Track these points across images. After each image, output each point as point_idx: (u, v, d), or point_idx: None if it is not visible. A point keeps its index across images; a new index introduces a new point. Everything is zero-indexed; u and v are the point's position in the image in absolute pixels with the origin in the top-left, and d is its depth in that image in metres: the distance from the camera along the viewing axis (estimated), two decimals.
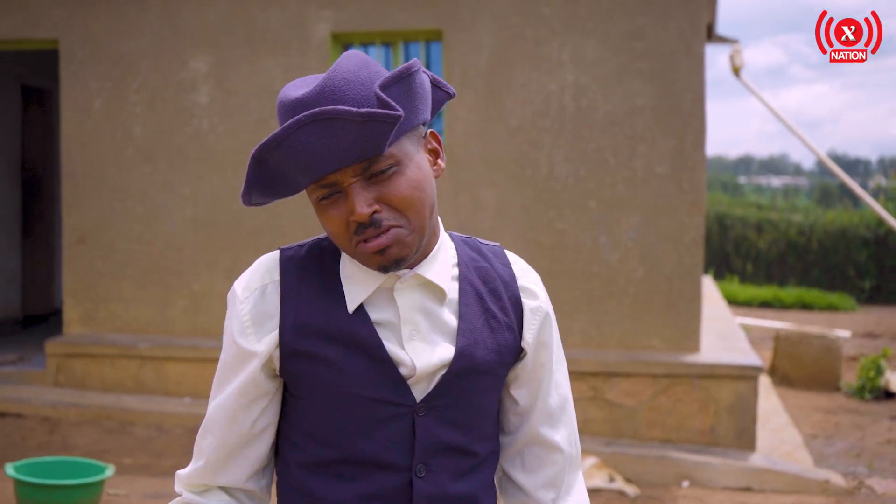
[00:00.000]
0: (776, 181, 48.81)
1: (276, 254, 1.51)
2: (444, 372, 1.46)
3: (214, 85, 6.74)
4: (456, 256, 1.54)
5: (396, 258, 1.40)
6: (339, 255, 1.50)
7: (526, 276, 1.59)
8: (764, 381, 8.26)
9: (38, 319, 9.24)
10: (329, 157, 1.33)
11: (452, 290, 1.51)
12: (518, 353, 1.55)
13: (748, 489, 5.66)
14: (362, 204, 1.36)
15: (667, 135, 6.22)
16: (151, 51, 6.80)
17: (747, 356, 6.39)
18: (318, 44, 6.58)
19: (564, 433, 1.62)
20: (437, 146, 1.50)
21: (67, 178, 6.94)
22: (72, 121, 6.91)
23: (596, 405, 6.12)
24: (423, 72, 1.43)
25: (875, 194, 19.50)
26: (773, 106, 8.28)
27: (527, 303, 1.56)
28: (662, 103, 6.21)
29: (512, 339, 1.53)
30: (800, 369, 8.96)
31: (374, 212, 1.37)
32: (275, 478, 1.58)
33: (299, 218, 6.41)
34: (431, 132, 1.49)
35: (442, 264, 1.50)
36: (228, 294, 1.51)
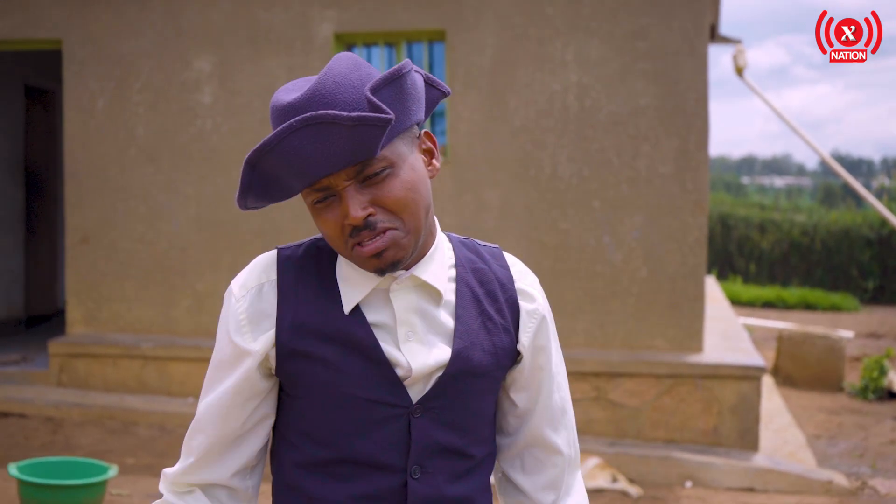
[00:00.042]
0: (779, 181, 48.79)
1: (273, 253, 1.51)
2: (440, 373, 1.46)
3: (218, 85, 6.74)
4: (453, 258, 1.54)
5: (392, 261, 1.40)
6: (336, 255, 1.50)
7: (524, 279, 1.58)
8: (767, 382, 8.25)
9: (42, 319, 9.25)
10: (322, 161, 1.33)
11: (449, 291, 1.50)
12: (514, 356, 1.55)
13: (751, 489, 5.65)
14: (356, 207, 1.36)
15: (670, 135, 6.21)
16: (154, 51, 6.81)
17: (750, 356, 6.38)
18: (322, 44, 6.58)
19: (564, 435, 1.61)
20: (432, 146, 1.49)
21: (70, 178, 6.95)
22: (75, 121, 6.92)
23: (599, 405, 6.11)
24: (416, 71, 1.42)
25: (878, 194, 19.47)
26: (777, 106, 8.27)
27: (524, 305, 1.55)
28: (666, 103, 6.21)
29: (508, 341, 1.53)
30: (803, 370, 8.95)
31: (369, 214, 1.37)
32: (271, 478, 1.58)
33: (302, 218, 6.41)
34: (426, 132, 1.49)
35: (438, 265, 1.50)
36: (225, 293, 1.51)
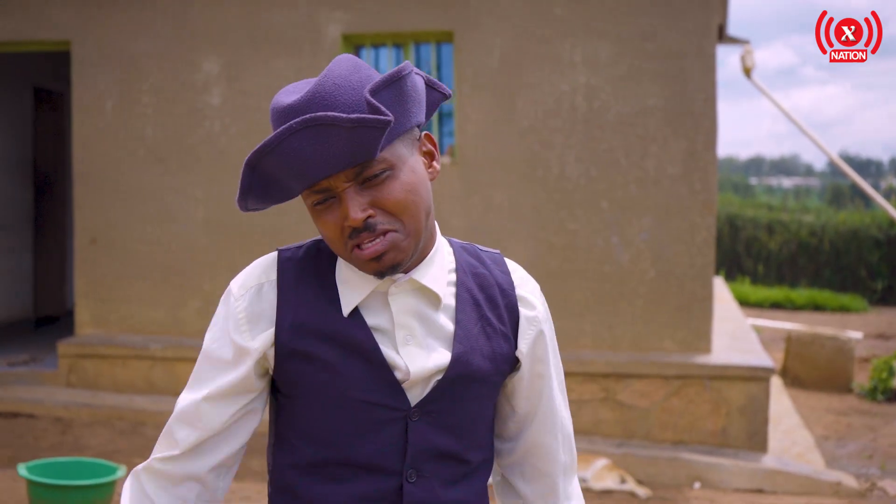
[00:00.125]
0: (787, 182, 48.65)
1: (273, 254, 1.52)
2: (439, 377, 1.46)
3: (226, 86, 6.75)
4: (454, 262, 1.54)
5: (392, 263, 1.39)
6: (335, 257, 1.50)
7: (524, 286, 1.58)
8: (775, 383, 8.23)
9: (51, 320, 9.28)
10: (321, 163, 1.33)
11: (449, 295, 1.50)
12: (513, 363, 1.54)
13: (760, 490, 5.64)
14: (356, 209, 1.36)
15: (678, 135, 6.20)
16: (163, 52, 6.82)
17: (759, 357, 6.37)
18: (330, 45, 6.58)
19: (563, 441, 1.61)
20: (433, 148, 1.49)
21: (79, 179, 6.97)
22: (83, 122, 6.93)
23: (607, 406, 6.11)
24: (416, 73, 1.41)
25: (887, 195, 19.44)
26: (785, 107, 8.25)
27: (524, 312, 1.55)
28: (674, 104, 6.20)
29: (507, 347, 1.52)
30: (811, 370, 8.93)
31: (369, 216, 1.37)
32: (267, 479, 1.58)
33: (310, 220, 6.41)
34: (426, 134, 1.49)
35: (438, 269, 1.49)
36: (224, 292, 1.51)
